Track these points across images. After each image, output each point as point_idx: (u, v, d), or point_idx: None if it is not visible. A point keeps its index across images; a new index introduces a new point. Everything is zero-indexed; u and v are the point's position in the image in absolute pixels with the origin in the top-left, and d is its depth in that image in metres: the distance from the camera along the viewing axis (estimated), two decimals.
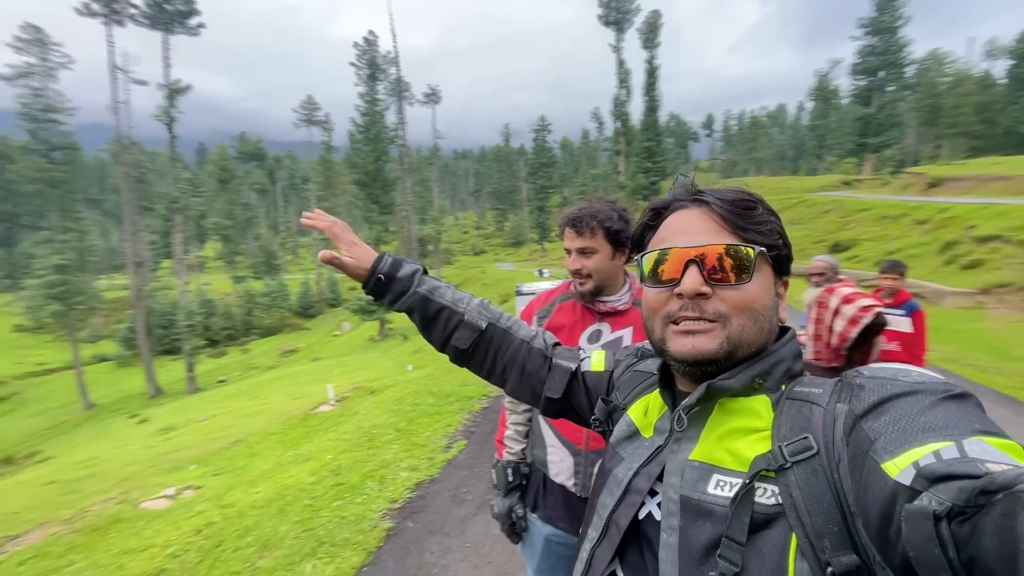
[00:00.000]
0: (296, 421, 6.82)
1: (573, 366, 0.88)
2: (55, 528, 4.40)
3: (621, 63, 45.08)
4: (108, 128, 26.72)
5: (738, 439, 0.58)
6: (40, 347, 38.56)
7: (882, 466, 0.44)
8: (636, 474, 0.65)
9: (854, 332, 2.81)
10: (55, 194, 27.97)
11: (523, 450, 1.73)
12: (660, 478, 0.62)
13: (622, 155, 47.47)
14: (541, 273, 5.60)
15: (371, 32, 32.76)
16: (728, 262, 0.60)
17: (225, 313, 40.08)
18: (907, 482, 0.42)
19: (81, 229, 28.90)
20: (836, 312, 2.96)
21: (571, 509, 1.53)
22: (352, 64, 32.58)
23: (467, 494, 3.67)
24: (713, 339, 0.60)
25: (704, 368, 0.61)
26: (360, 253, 0.90)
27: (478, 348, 0.91)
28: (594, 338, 1.55)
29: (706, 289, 0.60)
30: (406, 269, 0.91)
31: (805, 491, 0.50)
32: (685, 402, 0.62)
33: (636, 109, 48.68)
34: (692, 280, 0.60)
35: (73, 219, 28.48)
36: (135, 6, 24.94)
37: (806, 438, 0.52)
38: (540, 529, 1.58)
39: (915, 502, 0.40)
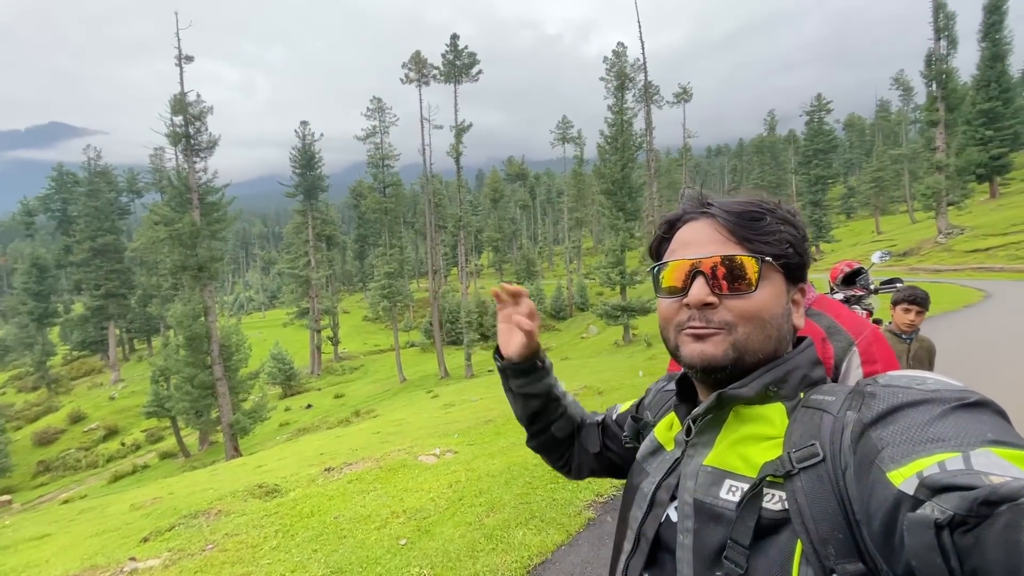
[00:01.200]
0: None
1: (601, 417, 0.98)
2: (370, 463, 6.13)
3: (940, 6, 34.75)
4: (418, 166, 34.62)
5: (751, 445, 0.59)
6: (377, 333, 52.34)
7: (887, 475, 0.44)
8: (658, 487, 0.68)
9: None
10: (387, 220, 37.82)
11: None
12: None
13: (941, 125, 36.48)
14: (875, 259, 4.76)
15: (620, 44, 33.65)
16: (732, 272, 0.62)
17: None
18: (910, 491, 0.42)
19: (401, 245, 38.41)
20: None
21: None
22: (602, 79, 34.12)
23: None
24: (719, 345, 0.62)
25: (715, 375, 0.63)
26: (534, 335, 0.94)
27: (568, 439, 0.99)
28: None
29: (711, 299, 0.62)
30: (548, 362, 0.97)
31: (810, 497, 0.50)
32: (696, 411, 0.64)
33: (967, 63, 36.81)
34: (698, 290, 0.63)
35: (397, 237, 38.07)
36: (436, 68, 31.77)
37: (813, 445, 0.53)
38: None
39: (917, 511, 0.40)
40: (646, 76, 33.81)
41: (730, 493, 0.57)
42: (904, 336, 2.98)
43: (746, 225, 0.63)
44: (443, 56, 32.01)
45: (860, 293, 3.32)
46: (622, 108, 32.52)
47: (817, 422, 0.55)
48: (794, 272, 0.65)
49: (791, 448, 0.54)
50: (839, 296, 3.38)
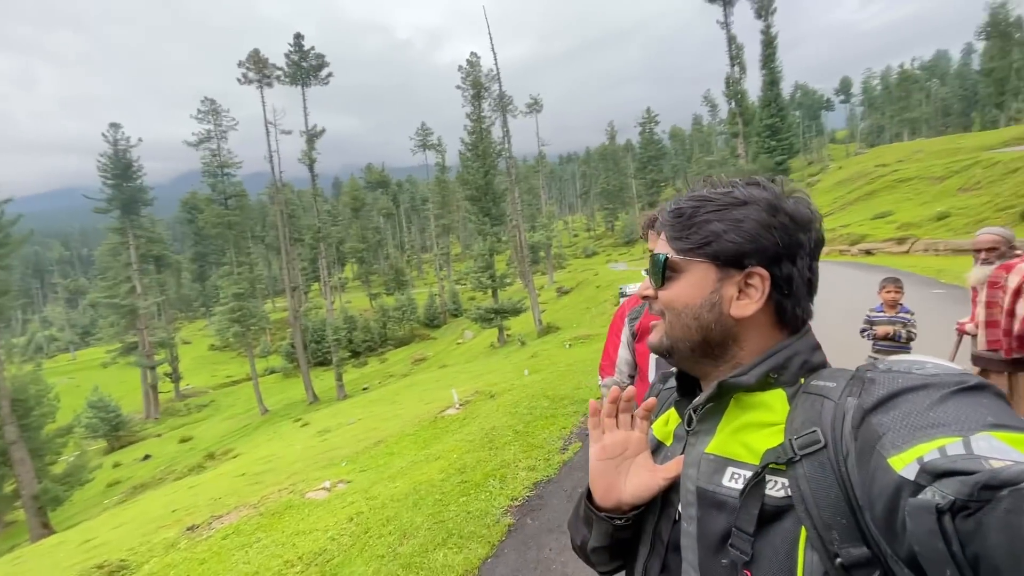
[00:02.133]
0: (427, 424, 7.42)
1: None
2: (246, 511, 5.34)
3: (732, 39, 41.80)
4: (265, 175, 31.49)
5: (752, 433, 0.59)
6: (227, 362, 46.39)
7: (888, 460, 0.45)
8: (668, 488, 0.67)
9: None
10: (231, 235, 33.70)
11: None
12: None
13: (740, 136, 43.87)
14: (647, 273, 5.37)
15: (473, 54, 34.45)
16: (651, 268, 0.69)
17: (364, 327, 44.61)
18: (911, 477, 0.42)
19: (251, 262, 34.49)
20: (1018, 292, 2.50)
21: None
22: (458, 87, 34.58)
23: None
24: (657, 333, 0.70)
25: (667, 359, 0.70)
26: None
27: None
28: None
29: (649, 292, 0.70)
30: None
31: (813, 484, 0.51)
32: (696, 400, 0.65)
33: (754, 85, 44.84)
34: (642, 284, 0.72)
35: (245, 254, 34.10)
36: (279, 68, 29.23)
37: (814, 431, 0.53)
38: None
39: (918, 496, 0.41)
40: (500, 86, 35.04)
41: (732, 480, 0.58)
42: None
43: (672, 223, 0.67)
44: (287, 56, 29.59)
45: None
46: (480, 116, 33.36)
47: (818, 408, 0.55)
48: (731, 259, 0.63)
49: (792, 435, 0.55)
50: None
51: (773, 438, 0.57)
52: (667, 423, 0.75)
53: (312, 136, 29.30)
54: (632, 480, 0.67)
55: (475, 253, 34.48)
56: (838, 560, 0.48)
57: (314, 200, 32.44)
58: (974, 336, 2.94)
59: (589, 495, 0.72)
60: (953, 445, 0.42)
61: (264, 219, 63.48)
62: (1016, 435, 0.42)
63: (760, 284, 0.63)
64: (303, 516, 4.69)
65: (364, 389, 28.37)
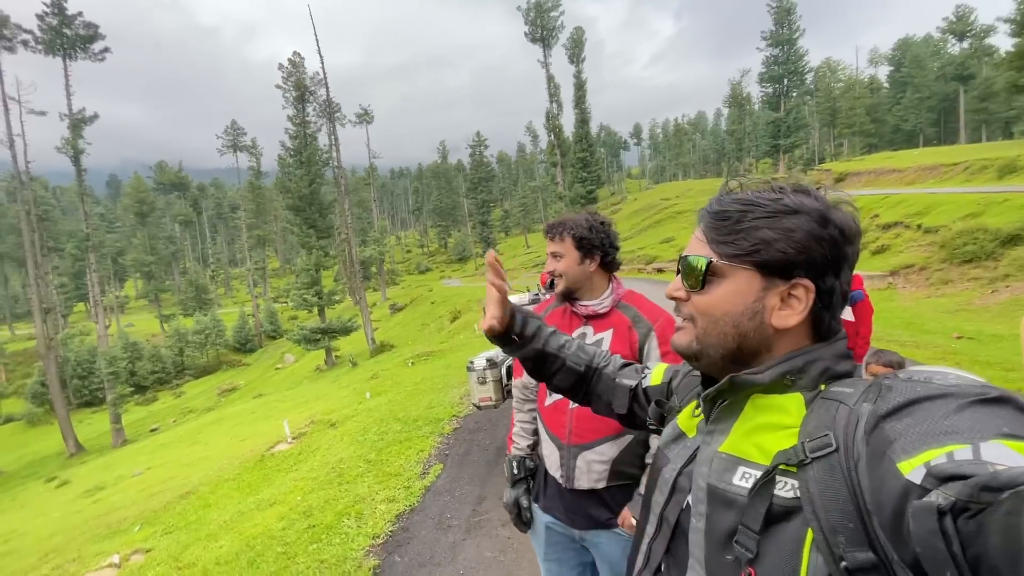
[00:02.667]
0: (251, 464, 6.38)
1: (633, 383, 0.98)
2: None
3: (551, 78, 46.40)
4: (3, 164, 24.25)
5: (766, 434, 0.60)
6: None
7: (897, 465, 0.45)
8: (680, 473, 0.69)
9: None
10: None
11: (529, 445, 1.85)
12: None
13: (559, 167, 48.68)
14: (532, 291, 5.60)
15: (296, 53, 31.91)
16: (686, 271, 0.67)
17: (153, 355, 37.07)
18: (918, 481, 0.42)
19: None
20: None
21: (563, 499, 1.64)
22: (279, 87, 31.53)
23: (452, 519, 3.57)
24: (685, 336, 0.69)
25: (692, 362, 0.71)
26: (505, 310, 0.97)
27: (575, 386, 1.04)
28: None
29: (679, 294, 0.69)
30: (531, 327, 1.00)
31: (822, 487, 0.51)
32: (707, 392, 0.66)
33: (568, 122, 50.21)
34: (671, 285, 0.70)
35: None
36: (28, 31, 22.94)
37: (827, 435, 0.53)
38: (541, 517, 1.73)
39: (923, 499, 0.41)
40: (328, 91, 33.08)
41: (743, 479, 0.58)
42: None
43: (715, 226, 0.66)
44: (41, 18, 23.37)
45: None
46: (304, 120, 31.06)
47: (832, 413, 0.56)
48: (776, 268, 0.62)
49: (805, 437, 0.55)
50: (525, 297, 4.13)
51: (786, 440, 0.58)
52: (692, 415, 0.76)
53: (78, 121, 23.55)
54: (488, 310, 0.95)
55: (298, 268, 31.55)
56: (843, 564, 0.48)
57: (80, 200, 25.91)
58: None
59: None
60: (962, 451, 0.42)
61: None
62: None
63: (804, 296, 0.63)
64: None
65: (153, 430, 23.40)
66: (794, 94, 46.18)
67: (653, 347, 1.60)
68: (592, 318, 1.69)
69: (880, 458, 0.48)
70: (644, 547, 0.72)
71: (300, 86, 31.27)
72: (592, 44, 51.04)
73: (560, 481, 1.63)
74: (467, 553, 3.14)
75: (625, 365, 1.04)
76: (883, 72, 58.26)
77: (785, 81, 45.54)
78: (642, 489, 1.01)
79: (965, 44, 46.91)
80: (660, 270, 28.15)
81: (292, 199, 30.01)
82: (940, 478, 0.40)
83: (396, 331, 34.50)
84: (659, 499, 0.71)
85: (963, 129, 46.27)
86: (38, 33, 23.14)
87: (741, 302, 0.64)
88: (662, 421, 0.86)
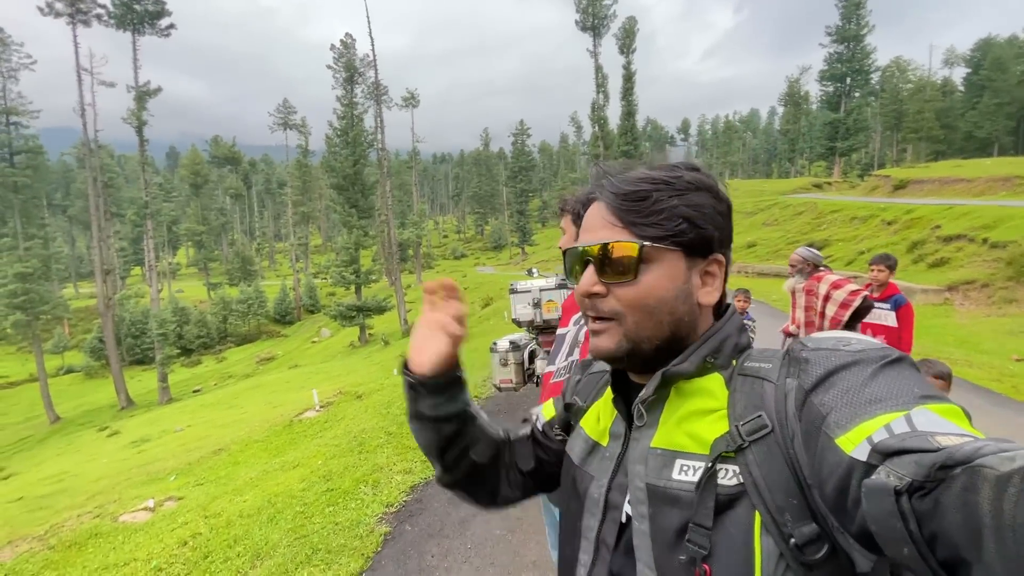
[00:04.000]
0: (280, 428, 6.63)
1: (528, 429, 0.85)
2: (26, 545, 4.18)
3: (599, 68, 45.57)
4: (74, 132, 25.84)
5: (696, 421, 0.58)
6: (5, 359, 36.94)
7: (836, 441, 0.46)
8: (609, 489, 0.64)
9: (845, 316, 2.87)
10: (17, 200, 26.89)
11: None
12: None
13: (601, 159, 47.82)
14: (531, 272, 5.54)
15: (348, 35, 32.48)
16: (613, 260, 0.60)
17: (199, 321, 38.99)
18: (863, 458, 0.43)
19: (46, 236, 27.91)
20: (827, 298, 3.02)
21: None
22: (329, 67, 32.23)
23: None
24: (611, 338, 0.61)
25: (619, 364, 0.63)
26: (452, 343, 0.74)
27: (491, 461, 0.81)
28: (577, 320, 1.69)
29: (598, 288, 0.61)
30: (464, 373, 0.81)
31: (764, 469, 0.51)
32: (641, 395, 0.61)
33: (614, 114, 49.26)
34: (585, 280, 0.62)
35: (37, 226, 27.46)
36: (102, 6, 24.22)
37: (760, 416, 0.53)
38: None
39: (873, 477, 0.41)
40: (376, 73, 33.60)
41: (683, 473, 0.56)
42: None
43: (630, 207, 0.60)
44: None
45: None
46: (352, 101, 31.59)
47: (759, 391, 0.55)
48: (697, 246, 0.60)
49: (737, 420, 0.54)
50: (552, 281, 4.09)
51: (717, 424, 0.56)
52: (599, 420, 0.70)
53: (143, 93, 24.76)
54: (434, 346, 0.71)
55: (338, 246, 32.37)
56: (792, 540, 0.48)
57: (141, 169, 27.37)
58: (796, 336, 3.50)
59: (406, 362, 0.74)
60: (897, 422, 0.43)
61: (68, 185, 52.05)
62: (944, 406, 0.44)
63: (719, 271, 0.62)
64: (115, 545, 3.83)
65: (195, 391, 24.68)
66: (856, 94, 43.79)
67: None
68: None
69: (816, 434, 0.48)
70: None
71: (350, 67, 31.84)
72: (644, 35, 49.81)
73: None
74: (476, 529, 3.17)
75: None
76: (959, 74, 54.33)
77: (848, 80, 43.20)
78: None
79: None
80: None
81: (336, 178, 30.72)
82: (885, 454, 0.41)
83: None
84: (591, 523, 0.64)
85: None
86: (111, 8, 24.39)
87: (673, 286, 0.60)
88: (568, 428, 0.78)
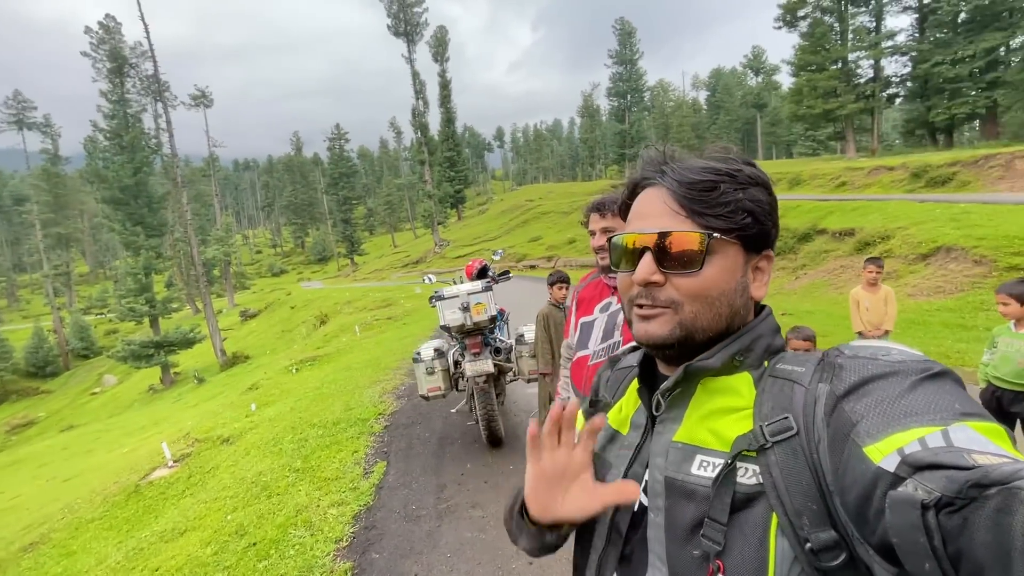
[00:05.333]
0: (122, 498, 5.34)
1: None
2: None
3: (416, 74, 45.76)
4: None
5: (720, 419, 0.58)
6: None
7: (864, 450, 0.45)
8: (625, 477, 0.65)
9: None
10: None
11: (569, 397, 2.10)
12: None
13: (427, 164, 48.22)
14: (428, 279, 5.59)
15: (109, 16, 26.91)
16: (678, 250, 0.59)
17: None
18: (891, 468, 0.42)
19: None
20: None
21: None
22: (86, 55, 26.30)
23: (419, 510, 3.51)
24: (664, 325, 0.60)
25: (666, 352, 0.62)
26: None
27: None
28: (605, 308, 1.91)
29: (657, 278, 0.60)
30: None
31: (784, 471, 0.51)
32: (664, 385, 0.61)
33: (434, 120, 50.06)
34: (644, 268, 0.60)
35: None
36: None
37: (786, 418, 0.53)
38: None
39: (899, 489, 0.40)
40: (156, 66, 28.52)
41: (702, 469, 0.56)
42: (560, 306, 4.05)
43: (697, 197, 0.59)
44: None
45: (488, 281, 4.34)
46: (123, 97, 26.40)
47: (788, 394, 0.55)
48: (755, 241, 0.61)
49: (763, 421, 0.54)
50: (478, 284, 4.25)
51: (741, 423, 0.56)
52: (621, 410, 0.72)
53: None
54: (570, 501, 0.63)
55: (121, 272, 26.76)
56: (808, 545, 0.48)
57: None
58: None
59: (524, 506, 0.68)
60: (932, 436, 0.42)
61: None
62: (986, 424, 0.43)
63: (767, 267, 0.63)
64: None
65: None
66: (635, 109, 52.02)
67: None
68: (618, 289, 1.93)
69: (843, 440, 0.47)
70: (593, 562, 0.66)
71: (117, 56, 26.54)
72: (455, 45, 51.56)
73: None
74: (447, 538, 3.14)
75: None
76: (703, 96, 68.61)
77: (628, 96, 51.07)
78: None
79: (759, 78, 57.41)
80: (532, 267, 29.70)
81: (111, 190, 25.39)
82: (916, 467, 0.40)
83: (250, 340, 31.05)
84: (606, 510, 0.65)
85: (760, 148, 56.66)
86: None
87: (733, 279, 0.60)
88: None
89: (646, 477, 0.62)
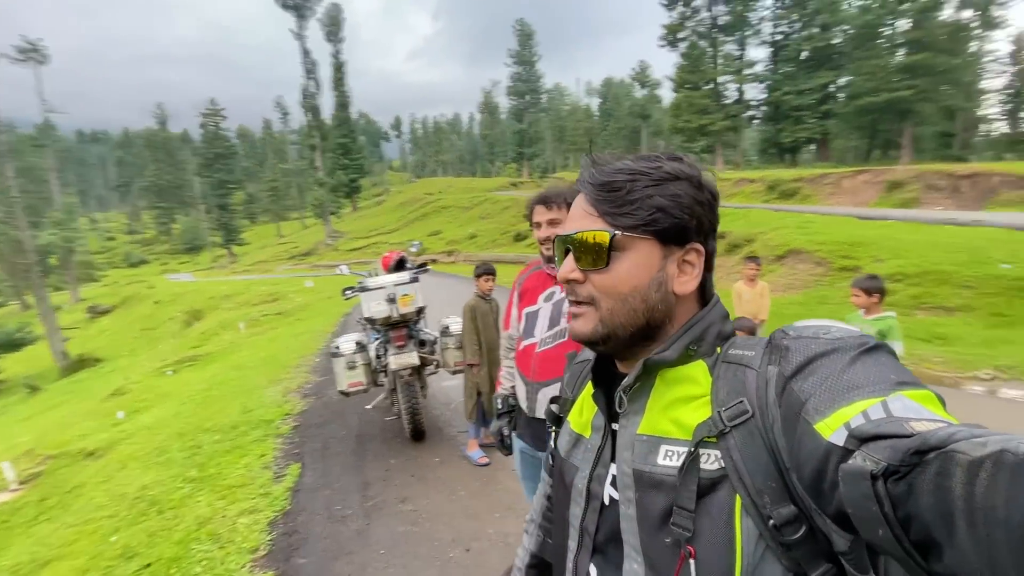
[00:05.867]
0: None
1: (550, 460, 0.90)
2: None
3: (307, 52, 42.67)
4: None
5: (680, 408, 0.60)
6: None
7: (814, 427, 0.47)
8: (591, 479, 0.68)
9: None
10: None
11: (512, 386, 2.15)
12: (614, 459, 0.65)
13: (318, 150, 45.24)
14: (341, 270, 5.33)
15: None
16: (586, 248, 0.63)
17: None
18: (840, 443, 0.44)
19: None
20: None
21: (530, 427, 1.98)
22: None
23: (343, 510, 3.34)
24: (587, 322, 0.64)
25: (597, 348, 0.66)
26: None
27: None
28: (548, 297, 1.98)
29: (575, 275, 0.64)
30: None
31: (744, 453, 0.53)
32: (624, 383, 0.63)
33: (326, 104, 47.14)
34: (564, 266, 0.65)
35: None
36: None
37: (741, 402, 0.55)
38: (517, 444, 2.08)
39: (849, 461, 0.42)
40: None
41: (667, 459, 0.58)
42: (487, 297, 4.09)
43: (605, 197, 0.63)
44: None
45: (407, 273, 4.27)
46: None
47: (741, 378, 0.57)
48: (673, 235, 0.62)
49: (720, 407, 0.56)
50: (404, 275, 4.18)
51: (700, 411, 0.58)
52: (582, 412, 0.75)
53: None
54: None
55: None
56: (771, 522, 0.50)
57: None
58: None
59: None
60: (873, 408, 0.44)
61: None
62: (919, 392, 0.46)
63: (697, 260, 0.64)
64: None
65: None
66: (532, 109, 53.53)
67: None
68: None
69: (795, 420, 0.50)
70: (570, 564, 0.70)
71: None
72: (350, 26, 48.90)
73: (527, 412, 1.94)
74: (378, 534, 3.04)
75: None
76: (595, 103, 72.60)
77: (527, 97, 52.39)
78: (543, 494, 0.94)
79: (645, 91, 62.16)
80: (433, 261, 29.39)
81: None
82: (862, 439, 0.42)
83: (102, 340, 26.90)
84: (576, 511, 0.69)
85: None
86: None
87: (646, 274, 0.62)
88: (559, 421, 0.82)
89: (611, 474, 0.66)
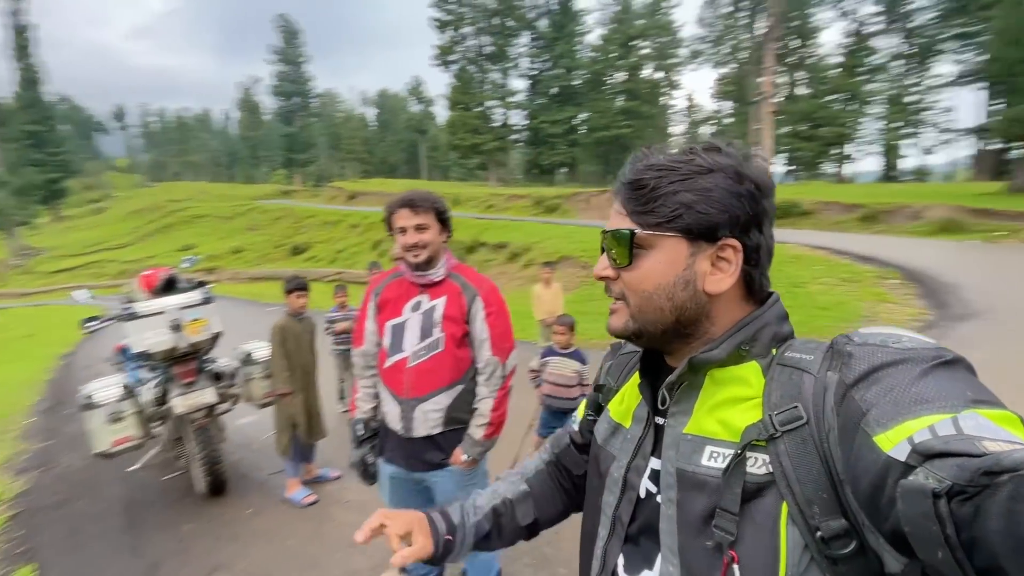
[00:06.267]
0: None
1: (567, 438, 0.89)
2: None
3: None
4: None
5: (729, 409, 0.58)
6: None
7: (874, 439, 0.44)
8: (628, 470, 0.67)
9: None
10: None
11: (372, 408, 2.00)
12: (655, 453, 0.65)
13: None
14: (81, 298, 4.08)
15: None
16: (613, 246, 0.64)
17: None
18: (901, 458, 0.41)
19: None
20: None
21: (403, 449, 1.88)
22: None
23: (91, 525, 2.55)
24: (620, 318, 0.65)
25: (637, 343, 0.68)
26: (417, 534, 0.74)
27: (539, 508, 0.87)
28: (416, 307, 1.89)
29: (608, 272, 0.65)
30: (454, 512, 0.81)
31: (795, 460, 0.51)
32: (668, 379, 0.63)
33: (5, 80, 35.10)
34: (598, 264, 0.67)
35: None
36: None
37: (796, 407, 0.53)
38: (385, 469, 1.94)
39: (910, 478, 0.40)
40: None
41: (712, 460, 0.57)
42: (299, 317, 3.62)
43: (633, 196, 0.63)
44: None
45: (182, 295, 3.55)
46: None
47: (797, 382, 0.55)
48: (702, 232, 0.60)
49: (772, 410, 0.54)
50: (194, 295, 3.47)
51: (750, 413, 0.57)
52: (623, 401, 0.74)
53: None
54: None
55: None
56: (819, 533, 0.48)
57: None
58: None
59: None
60: (942, 424, 0.41)
61: None
62: (997, 412, 0.42)
63: (733, 256, 0.61)
64: None
65: None
66: (302, 113, 49.74)
67: (479, 309, 1.88)
68: (428, 287, 1.88)
69: (854, 430, 0.47)
70: (599, 551, 0.69)
71: None
72: None
73: (400, 432, 1.86)
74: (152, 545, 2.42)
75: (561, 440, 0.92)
76: (371, 112, 71.26)
77: (295, 99, 48.41)
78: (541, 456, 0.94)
79: (421, 106, 63.86)
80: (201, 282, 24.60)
81: None
82: (926, 455, 0.40)
83: None
84: (610, 500, 0.68)
85: (424, 170, 62.99)
86: None
87: (672, 272, 0.61)
88: (599, 409, 0.81)
89: (650, 467, 0.65)
